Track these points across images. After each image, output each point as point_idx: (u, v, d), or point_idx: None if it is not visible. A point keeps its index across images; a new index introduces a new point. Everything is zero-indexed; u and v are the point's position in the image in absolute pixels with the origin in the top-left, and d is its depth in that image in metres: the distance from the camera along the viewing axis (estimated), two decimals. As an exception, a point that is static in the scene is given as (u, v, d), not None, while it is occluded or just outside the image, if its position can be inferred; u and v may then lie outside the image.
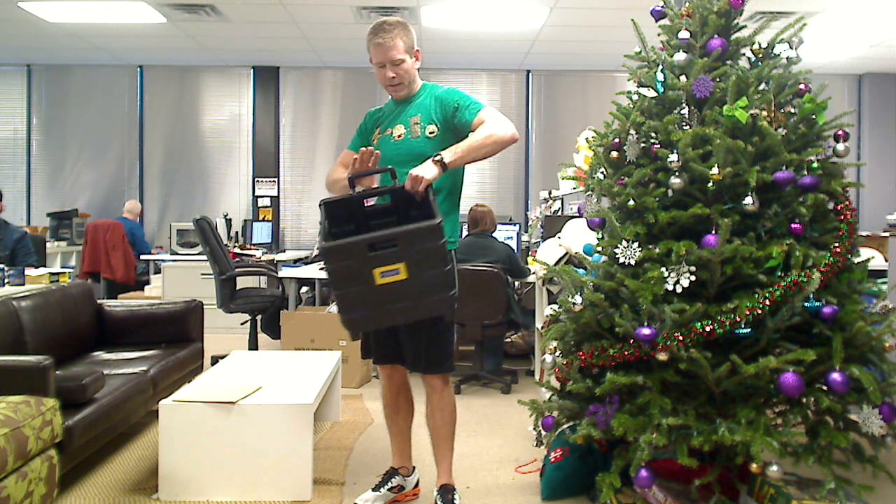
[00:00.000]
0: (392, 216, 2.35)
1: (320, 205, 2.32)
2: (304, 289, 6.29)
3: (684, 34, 2.61)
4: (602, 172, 2.75)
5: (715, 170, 2.34)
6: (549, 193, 6.48)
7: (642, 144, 2.59)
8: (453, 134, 2.48)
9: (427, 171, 2.25)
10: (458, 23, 6.52)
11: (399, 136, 2.53)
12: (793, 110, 2.53)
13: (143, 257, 7.01)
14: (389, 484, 2.69)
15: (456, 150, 2.33)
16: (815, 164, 2.42)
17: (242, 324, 5.25)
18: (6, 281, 3.98)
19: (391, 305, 2.17)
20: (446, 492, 2.60)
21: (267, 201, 8.38)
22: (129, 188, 8.42)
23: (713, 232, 2.33)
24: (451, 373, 2.59)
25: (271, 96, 8.36)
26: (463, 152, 2.33)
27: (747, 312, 2.23)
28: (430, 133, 2.51)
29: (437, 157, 2.29)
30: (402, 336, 2.54)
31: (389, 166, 2.36)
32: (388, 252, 2.12)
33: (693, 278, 2.31)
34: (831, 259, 2.31)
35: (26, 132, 8.42)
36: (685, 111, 2.63)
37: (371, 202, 2.39)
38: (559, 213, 6.14)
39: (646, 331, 2.25)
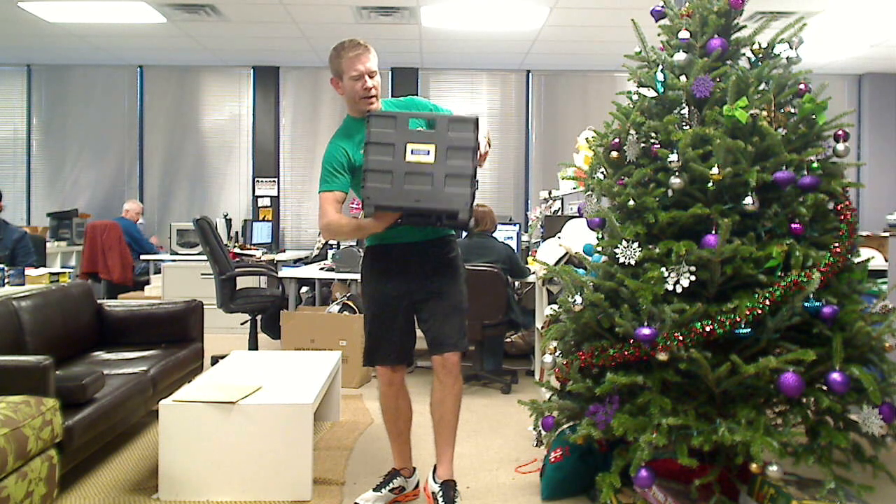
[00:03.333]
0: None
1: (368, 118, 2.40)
2: (304, 289, 6.29)
3: (684, 34, 2.61)
4: (602, 172, 2.75)
5: (715, 170, 2.34)
6: (549, 193, 6.48)
7: (642, 144, 2.60)
8: None
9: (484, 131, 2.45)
10: (458, 23, 6.51)
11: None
12: (793, 110, 2.53)
13: (143, 257, 7.00)
14: (391, 485, 2.69)
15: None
16: (815, 164, 2.42)
17: (242, 324, 5.25)
18: (6, 281, 3.99)
19: (412, 186, 2.30)
20: (449, 488, 2.59)
21: (267, 201, 8.38)
22: (129, 188, 8.42)
23: (713, 232, 2.33)
24: (466, 352, 2.61)
25: (271, 96, 8.37)
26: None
27: (747, 312, 2.23)
28: None
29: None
30: (425, 318, 2.57)
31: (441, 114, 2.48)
32: (424, 132, 2.33)
33: (693, 278, 2.31)
34: (831, 259, 2.32)
35: (26, 132, 8.42)
36: (685, 111, 2.63)
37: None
38: (559, 213, 6.14)
39: (646, 331, 2.25)
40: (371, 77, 2.49)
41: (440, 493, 2.58)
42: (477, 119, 2.36)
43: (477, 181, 2.36)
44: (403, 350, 2.65)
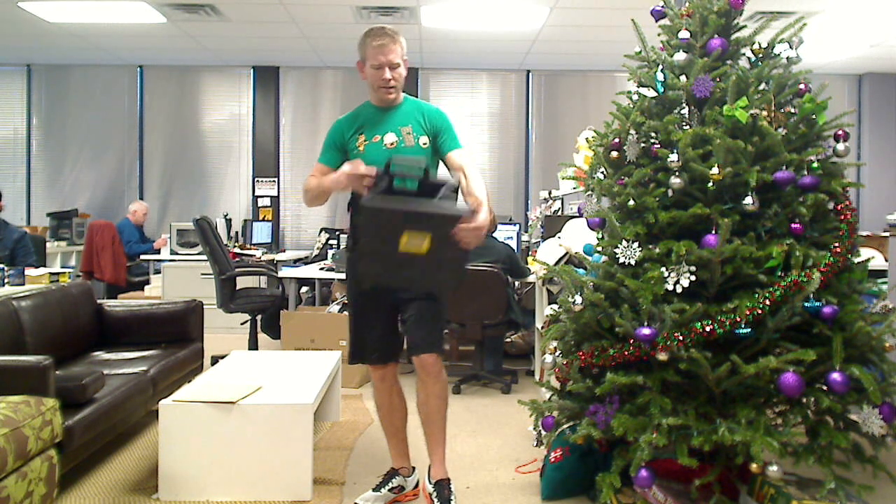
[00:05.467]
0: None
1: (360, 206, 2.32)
2: (304, 289, 6.29)
3: (684, 34, 2.61)
4: (602, 172, 2.75)
5: (715, 170, 2.34)
6: (549, 193, 6.48)
7: (642, 144, 2.60)
8: (435, 149, 2.62)
9: (483, 217, 2.28)
10: (458, 23, 6.52)
11: (392, 143, 2.56)
12: (793, 110, 2.53)
13: (143, 257, 7.00)
14: (390, 484, 2.70)
15: (483, 199, 2.39)
16: (815, 164, 2.42)
17: (242, 324, 5.24)
18: (6, 281, 3.98)
19: (405, 271, 2.29)
20: (443, 487, 2.60)
21: (267, 201, 8.38)
22: (129, 188, 8.42)
23: (713, 232, 2.33)
24: (442, 354, 2.62)
25: (271, 96, 8.36)
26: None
27: (747, 312, 2.23)
28: (424, 144, 2.59)
29: (482, 205, 2.32)
30: (403, 319, 2.58)
31: (424, 167, 2.38)
32: (420, 225, 2.21)
33: (693, 278, 2.31)
34: (831, 259, 2.32)
35: (26, 132, 8.42)
36: (685, 111, 2.63)
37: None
38: (559, 213, 6.14)
39: (646, 331, 2.26)
40: (393, 69, 2.52)
41: (434, 494, 2.59)
42: (465, 212, 2.26)
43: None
44: (386, 349, 2.66)
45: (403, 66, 2.56)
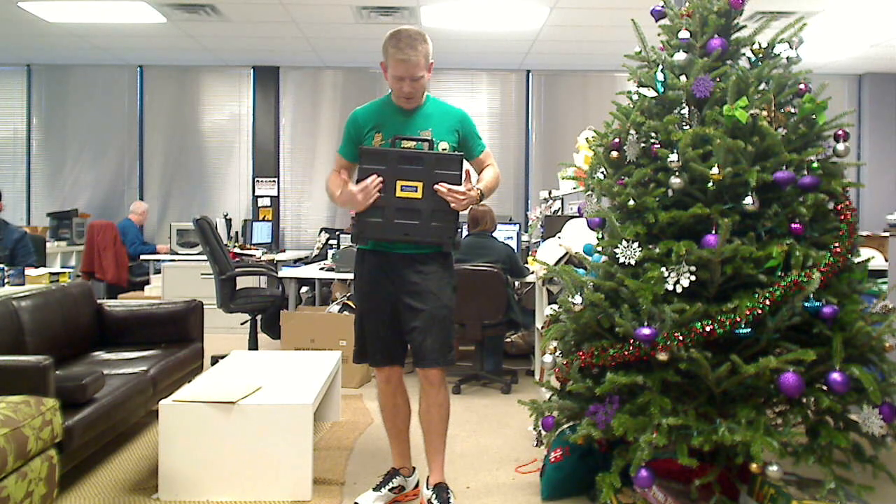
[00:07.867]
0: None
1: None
2: (304, 289, 6.29)
3: (684, 34, 2.61)
4: (602, 172, 2.75)
5: (715, 170, 2.34)
6: (549, 193, 6.48)
7: (642, 144, 2.60)
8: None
9: (473, 193, 2.51)
10: (458, 23, 6.51)
11: (409, 147, 2.53)
12: (793, 110, 2.53)
13: (143, 257, 7.00)
14: (390, 484, 2.70)
15: (486, 186, 2.63)
16: (815, 164, 2.43)
17: (242, 324, 5.25)
18: (6, 281, 3.98)
19: (402, 220, 2.47)
20: (442, 490, 2.61)
21: (267, 201, 8.38)
22: (129, 188, 8.42)
23: (713, 232, 2.33)
24: (451, 365, 2.62)
25: (271, 96, 8.36)
26: (489, 190, 2.64)
27: (747, 312, 2.23)
28: (443, 149, 2.55)
29: (479, 189, 2.57)
30: (408, 328, 2.56)
31: (428, 139, 2.54)
32: (413, 169, 2.44)
33: (693, 278, 2.31)
34: (831, 259, 2.32)
35: (26, 132, 8.42)
36: (685, 111, 2.63)
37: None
38: (559, 213, 6.14)
39: (646, 331, 2.26)
40: (415, 80, 2.49)
41: (434, 497, 2.59)
42: (462, 155, 2.52)
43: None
44: (390, 352, 2.64)
45: (428, 72, 2.52)
